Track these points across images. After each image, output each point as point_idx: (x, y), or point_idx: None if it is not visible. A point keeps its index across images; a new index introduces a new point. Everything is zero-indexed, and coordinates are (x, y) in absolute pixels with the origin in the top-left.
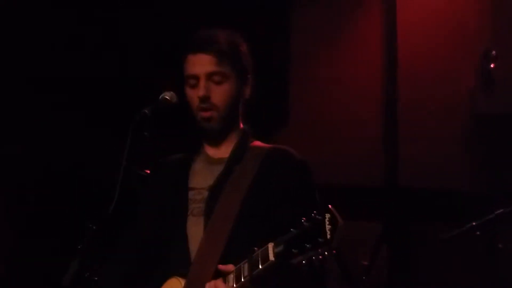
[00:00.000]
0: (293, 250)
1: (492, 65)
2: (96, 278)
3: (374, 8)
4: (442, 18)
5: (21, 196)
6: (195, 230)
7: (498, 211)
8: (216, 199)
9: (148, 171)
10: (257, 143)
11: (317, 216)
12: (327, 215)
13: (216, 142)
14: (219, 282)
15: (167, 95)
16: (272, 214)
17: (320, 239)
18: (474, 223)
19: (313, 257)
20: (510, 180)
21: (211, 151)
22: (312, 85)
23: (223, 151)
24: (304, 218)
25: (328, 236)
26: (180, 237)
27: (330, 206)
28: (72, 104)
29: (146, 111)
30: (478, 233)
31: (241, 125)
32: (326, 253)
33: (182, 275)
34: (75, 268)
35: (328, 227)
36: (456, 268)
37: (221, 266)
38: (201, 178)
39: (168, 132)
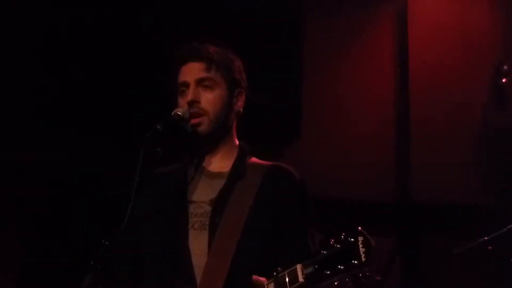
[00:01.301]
0: (325, 271)
1: (504, 80)
2: None
3: (386, 23)
4: (453, 34)
5: (35, 209)
6: (198, 244)
7: (510, 226)
8: (220, 213)
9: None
10: (255, 159)
11: (348, 239)
12: (360, 238)
13: (211, 151)
14: None
15: (180, 111)
16: (276, 229)
17: (354, 261)
18: (486, 238)
19: (347, 279)
20: None
21: (208, 165)
22: (325, 98)
23: (221, 165)
24: (332, 240)
25: (363, 259)
26: (183, 251)
27: (360, 228)
28: (82, 117)
29: (159, 126)
30: (490, 247)
31: (237, 142)
32: (360, 274)
33: None
34: (88, 283)
35: (362, 249)
36: (469, 282)
37: (255, 277)
38: (201, 192)
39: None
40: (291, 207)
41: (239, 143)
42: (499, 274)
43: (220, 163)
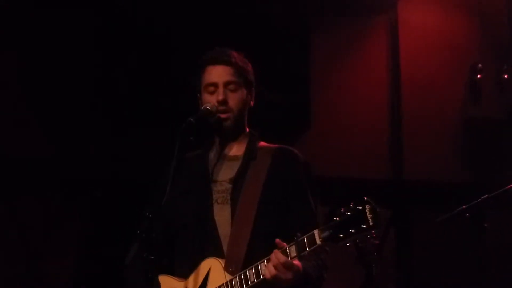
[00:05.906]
0: (339, 235)
1: (478, 76)
2: (152, 257)
3: (380, 31)
4: (436, 40)
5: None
6: (222, 216)
7: (484, 196)
8: (239, 189)
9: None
10: (263, 143)
11: (357, 207)
12: (367, 206)
13: (230, 139)
14: (279, 254)
15: (208, 106)
16: (286, 200)
17: (363, 225)
18: (464, 207)
19: (357, 240)
20: (493, 171)
21: (227, 151)
22: (330, 96)
23: (236, 150)
24: (343, 208)
25: (371, 223)
26: (209, 222)
27: (366, 197)
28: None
29: (192, 119)
30: (468, 215)
31: (247, 129)
32: (368, 236)
33: (218, 256)
34: (135, 250)
35: (369, 215)
36: (451, 244)
37: (278, 240)
38: (222, 172)
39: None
40: (297, 182)
41: (249, 130)
42: (475, 237)
43: (235, 148)
